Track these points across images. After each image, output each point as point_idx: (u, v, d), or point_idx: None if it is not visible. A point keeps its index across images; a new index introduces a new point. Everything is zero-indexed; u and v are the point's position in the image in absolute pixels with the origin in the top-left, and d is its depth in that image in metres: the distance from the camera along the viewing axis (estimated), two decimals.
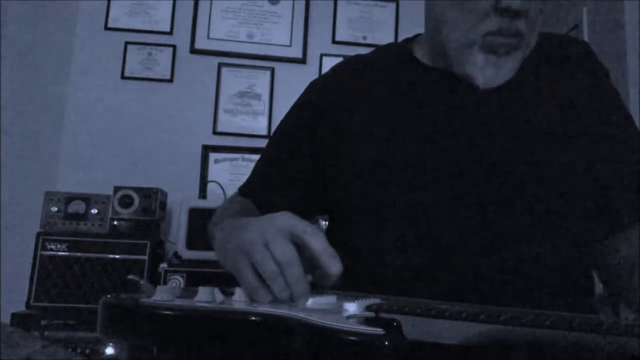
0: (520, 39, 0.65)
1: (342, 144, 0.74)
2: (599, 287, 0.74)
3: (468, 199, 0.65)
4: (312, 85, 0.84)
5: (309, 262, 0.51)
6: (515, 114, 0.68)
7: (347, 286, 0.58)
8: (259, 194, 0.81)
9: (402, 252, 0.66)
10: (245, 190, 0.84)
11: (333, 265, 0.49)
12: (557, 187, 0.65)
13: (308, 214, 0.83)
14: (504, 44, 0.65)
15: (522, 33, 0.64)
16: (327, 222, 0.85)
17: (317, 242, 0.50)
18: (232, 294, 0.51)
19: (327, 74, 0.84)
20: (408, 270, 0.65)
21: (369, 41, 2.43)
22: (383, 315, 0.37)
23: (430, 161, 0.68)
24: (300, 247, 0.50)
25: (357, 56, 0.84)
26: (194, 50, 2.35)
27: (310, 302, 0.47)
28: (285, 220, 0.52)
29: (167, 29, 2.35)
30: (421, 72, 0.74)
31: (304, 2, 2.43)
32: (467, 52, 0.66)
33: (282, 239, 0.50)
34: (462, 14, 0.65)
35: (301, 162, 0.78)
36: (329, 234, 0.80)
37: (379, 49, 0.83)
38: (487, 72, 0.66)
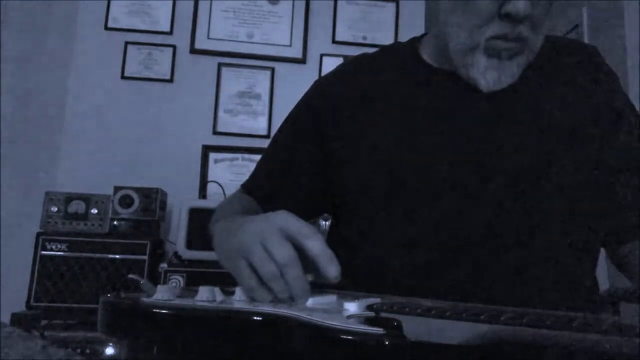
0: (523, 43, 0.64)
1: (345, 144, 0.74)
2: (602, 287, 0.74)
3: (471, 200, 0.65)
4: (317, 84, 0.84)
5: (307, 261, 0.50)
6: (521, 117, 0.68)
7: (348, 285, 0.58)
8: (262, 192, 0.81)
9: (404, 252, 0.66)
10: (248, 187, 0.84)
11: (331, 269, 0.48)
12: (563, 190, 0.65)
13: (311, 213, 0.83)
14: (507, 49, 0.64)
15: (526, 38, 0.63)
16: (327, 222, 0.85)
17: (315, 244, 0.49)
18: (233, 293, 0.51)
19: (332, 73, 0.84)
20: (410, 269, 0.65)
21: (369, 41, 2.43)
22: (383, 315, 0.37)
23: (433, 162, 0.67)
24: (299, 248, 0.50)
25: (363, 55, 0.83)
26: (194, 50, 2.35)
27: (311, 301, 0.47)
28: (283, 220, 0.51)
29: (167, 29, 2.35)
30: (427, 74, 0.74)
31: (304, 2, 2.43)
32: (470, 55, 0.66)
33: (280, 239, 0.50)
34: (466, 17, 0.64)
35: (305, 160, 0.78)
36: (332, 232, 0.80)
37: (385, 49, 0.83)
38: (490, 75, 0.66)
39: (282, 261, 0.49)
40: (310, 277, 0.51)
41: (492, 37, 0.64)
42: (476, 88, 0.67)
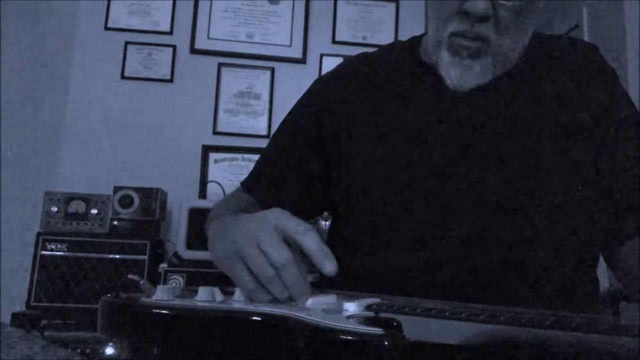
0: (484, 44, 0.64)
1: (345, 142, 0.74)
2: (602, 288, 0.74)
3: (470, 200, 0.65)
4: (317, 83, 0.84)
5: (303, 257, 0.50)
6: (515, 116, 0.68)
7: (348, 284, 0.58)
8: (261, 191, 0.81)
9: (403, 251, 0.66)
10: (247, 185, 0.84)
11: (328, 265, 0.48)
12: (560, 189, 0.65)
13: (311, 212, 0.83)
14: (467, 47, 0.64)
15: (487, 38, 0.63)
16: (327, 223, 0.85)
17: (311, 242, 0.49)
18: (232, 293, 0.51)
19: (332, 72, 0.84)
20: (409, 269, 0.65)
21: (369, 41, 2.43)
22: (383, 315, 0.37)
23: (432, 161, 0.68)
24: (294, 245, 0.50)
25: (363, 54, 0.84)
26: (194, 50, 2.35)
27: (311, 301, 0.47)
28: (277, 218, 0.51)
29: (167, 29, 2.35)
30: (422, 72, 0.74)
31: (304, 2, 2.43)
32: (437, 51, 0.67)
33: (275, 239, 0.49)
34: (437, 14, 0.66)
35: (304, 159, 0.78)
36: (332, 231, 0.80)
37: (385, 48, 0.83)
38: (452, 73, 0.67)
39: (279, 263, 0.48)
40: (311, 278, 0.51)
41: (452, 34, 0.64)
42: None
